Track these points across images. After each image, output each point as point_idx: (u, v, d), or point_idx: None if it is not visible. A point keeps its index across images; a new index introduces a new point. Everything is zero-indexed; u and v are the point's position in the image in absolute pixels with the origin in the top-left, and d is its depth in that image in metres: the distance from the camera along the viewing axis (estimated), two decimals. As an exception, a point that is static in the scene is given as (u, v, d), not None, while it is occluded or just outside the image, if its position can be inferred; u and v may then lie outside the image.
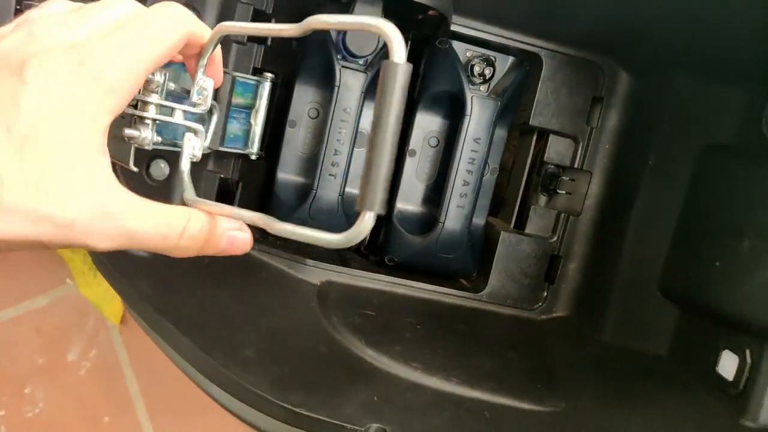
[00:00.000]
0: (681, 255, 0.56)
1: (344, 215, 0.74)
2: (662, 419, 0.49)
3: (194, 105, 0.39)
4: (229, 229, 0.35)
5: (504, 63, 0.74)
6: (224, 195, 0.68)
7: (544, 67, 0.71)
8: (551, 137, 0.73)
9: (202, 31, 0.34)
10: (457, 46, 0.72)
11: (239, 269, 0.65)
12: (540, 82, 0.71)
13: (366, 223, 0.31)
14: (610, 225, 0.70)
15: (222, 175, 0.67)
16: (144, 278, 0.54)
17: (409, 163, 0.75)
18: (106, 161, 0.28)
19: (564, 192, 0.74)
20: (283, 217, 0.76)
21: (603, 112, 0.72)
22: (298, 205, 0.74)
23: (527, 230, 0.75)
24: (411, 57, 0.77)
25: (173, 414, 1.30)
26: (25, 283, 1.27)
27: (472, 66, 0.72)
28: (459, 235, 0.73)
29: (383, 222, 0.77)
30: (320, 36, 0.73)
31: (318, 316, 0.62)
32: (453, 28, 0.71)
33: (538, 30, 0.70)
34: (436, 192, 0.75)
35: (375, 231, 0.79)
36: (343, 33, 0.69)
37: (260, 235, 0.75)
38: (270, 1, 0.66)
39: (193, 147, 0.39)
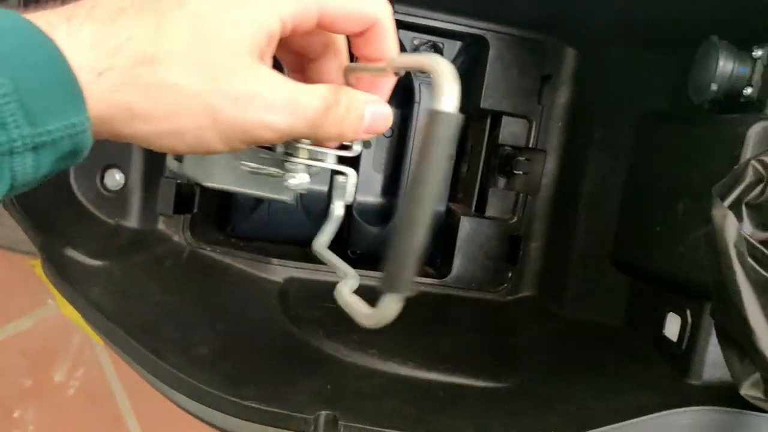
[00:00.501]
0: (627, 224, 0.57)
1: (304, 212, 0.74)
2: (614, 386, 0.49)
3: (346, 148, 0.37)
4: (368, 102, 0.32)
5: (452, 48, 0.74)
6: (183, 200, 0.69)
7: (491, 49, 0.71)
8: (504, 119, 0.74)
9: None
10: (404, 35, 0.72)
11: (200, 273, 0.66)
12: (488, 65, 0.71)
13: (391, 307, 0.27)
14: (565, 202, 0.70)
15: (179, 181, 0.67)
16: (96, 286, 0.54)
17: (366, 155, 0.76)
18: (268, 63, 0.29)
19: (521, 173, 0.74)
20: (243, 219, 0.76)
21: (553, 90, 0.72)
22: (257, 205, 0.75)
23: (487, 213, 0.75)
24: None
25: (165, 428, 1.30)
26: (7, 305, 1.27)
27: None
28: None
29: (346, 215, 0.77)
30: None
31: (278, 312, 0.62)
32: (397, 17, 0.71)
33: (483, 13, 0.70)
34: (393, 182, 0.75)
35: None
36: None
37: (222, 237, 0.75)
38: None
39: (345, 191, 0.39)
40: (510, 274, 0.75)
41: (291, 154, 0.36)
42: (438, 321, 0.66)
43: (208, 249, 0.70)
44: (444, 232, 0.77)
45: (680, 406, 0.44)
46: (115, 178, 0.65)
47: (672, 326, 0.50)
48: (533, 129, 0.73)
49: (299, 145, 0.35)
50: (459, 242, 0.74)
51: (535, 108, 0.73)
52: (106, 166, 0.64)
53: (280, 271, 0.71)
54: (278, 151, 0.37)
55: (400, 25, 0.72)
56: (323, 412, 0.45)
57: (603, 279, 0.62)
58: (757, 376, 0.35)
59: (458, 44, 0.74)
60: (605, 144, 0.64)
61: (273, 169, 0.38)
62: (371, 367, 0.53)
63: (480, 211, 0.76)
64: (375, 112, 0.32)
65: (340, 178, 0.39)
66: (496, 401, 0.50)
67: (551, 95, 0.72)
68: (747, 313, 0.35)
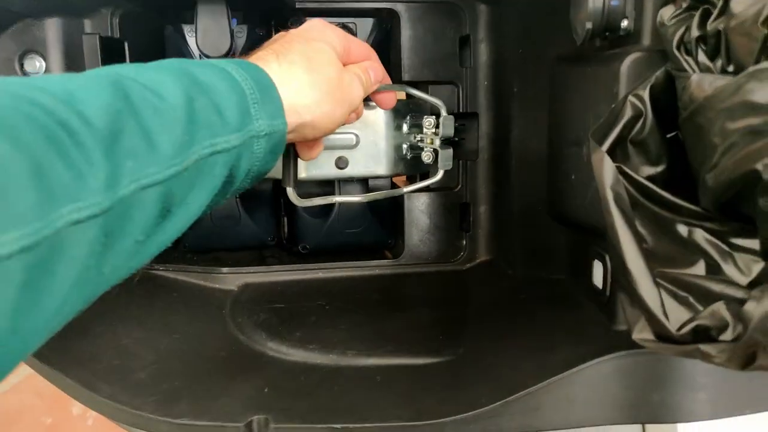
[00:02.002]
0: (552, 175, 0.55)
1: (247, 216, 0.74)
2: (547, 342, 0.48)
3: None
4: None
5: (365, 26, 0.73)
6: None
7: (402, 20, 0.69)
8: (430, 88, 0.72)
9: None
10: (313, 22, 0.71)
11: (148, 297, 0.66)
12: (402, 37, 0.70)
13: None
14: (501, 161, 0.69)
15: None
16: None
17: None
18: None
19: (458, 139, 0.73)
20: (192, 232, 0.76)
21: (473, 50, 0.70)
22: (201, 219, 0.75)
23: (432, 185, 0.74)
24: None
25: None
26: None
27: (332, 38, 0.71)
28: (359, 207, 0.73)
29: (290, 212, 0.77)
30: (178, 47, 0.73)
31: (226, 322, 0.62)
32: (303, 5, 0.70)
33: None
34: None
35: (289, 222, 0.80)
36: (195, 37, 0.69)
37: (176, 254, 0.75)
38: (115, 26, 0.65)
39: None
40: (464, 242, 0.74)
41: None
42: (389, 303, 0.65)
43: (161, 269, 0.70)
44: (391, 212, 0.76)
45: (606, 354, 0.43)
46: (35, 64, 0.62)
47: (598, 274, 0.49)
48: (461, 93, 0.72)
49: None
50: (407, 219, 0.73)
51: (459, 72, 0.71)
52: (27, 50, 0.61)
53: (234, 279, 0.71)
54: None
55: (307, 12, 0.71)
56: (255, 418, 0.45)
57: (545, 234, 0.61)
58: (644, 321, 0.34)
59: (370, 21, 0.72)
60: (525, 96, 0.62)
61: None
62: (311, 362, 0.53)
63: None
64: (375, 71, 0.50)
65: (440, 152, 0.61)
66: (433, 378, 0.50)
67: (473, 55, 0.70)
68: (626, 259, 0.34)
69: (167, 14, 0.72)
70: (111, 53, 0.63)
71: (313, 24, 0.46)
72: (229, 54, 0.70)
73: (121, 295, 0.65)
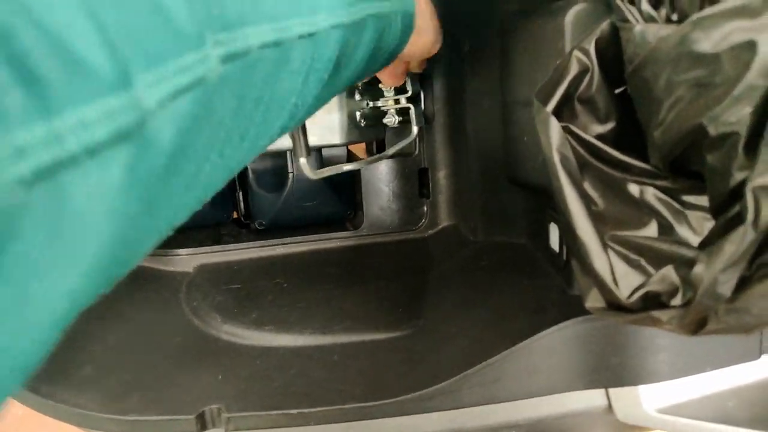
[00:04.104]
0: (507, 137, 0.53)
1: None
2: (507, 310, 0.47)
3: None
4: None
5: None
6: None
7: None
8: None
9: None
10: None
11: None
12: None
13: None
14: (457, 125, 0.66)
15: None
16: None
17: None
18: None
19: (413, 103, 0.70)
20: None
21: (422, 8, 0.67)
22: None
23: (388, 152, 0.72)
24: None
25: None
26: None
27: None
28: (314, 180, 0.70)
29: (244, 187, 0.74)
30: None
31: (181, 306, 0.60)
32: None
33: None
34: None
35: (243, 198, 0.77)
36: None
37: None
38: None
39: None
40: (425, 209, 0.73)
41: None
42: (349, 276, 0.64)
43: (112, 254, 0.67)
44: (348, 182, 0.74)
45: (564, 321, 0.42)
46: None
47: (554, 237, 0.47)
48: (412, 54, 0.69)
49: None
50: (365, 188, 0.71)
51: (409, 31, 0.68)
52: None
53: (190, 260, 0.68)
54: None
55: None
56: (207, 408, 0.44)
57: (505, 198, 0.59)
58: (596, 290, 0.32)
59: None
60: (476, 55, 0.59)
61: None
62: (267, 345, 0.52)
63: (380, 151, 0.73)
64: None
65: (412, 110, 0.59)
66: (392, 353, 0.48)
67: (422, 14, 0.67)
68: (575, 226, 0.33)
69: None
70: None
71: None
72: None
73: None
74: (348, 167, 0.56)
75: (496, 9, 0.54)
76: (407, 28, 0.38)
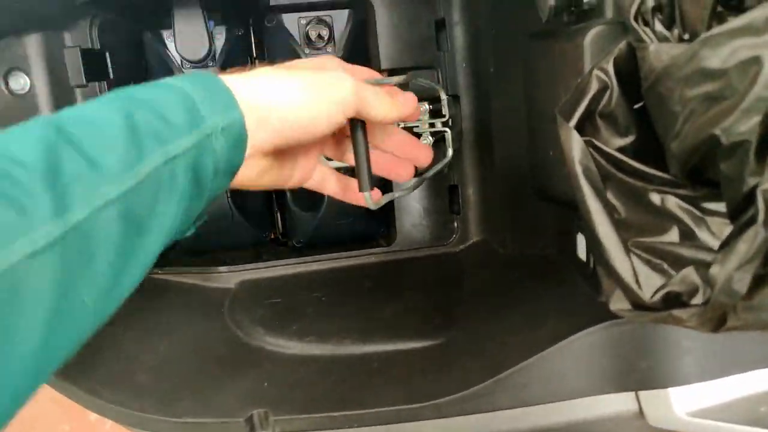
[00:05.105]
0: (533, 152, 0.56)
1: (240, 214, 0.75)
2: (535, 317, 0.49)
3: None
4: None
5: (341, 18, 0.73)
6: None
7: (376, 8, 0.70)
8: (410, 74, 0.73)
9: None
10: (289, 18, 0.71)
11: (148, 299, 0.67)
12: (378, 25, 0.70)
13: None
14: (485, 142, 0.69)
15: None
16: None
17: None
18: None
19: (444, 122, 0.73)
20: (184, 238, 0.77)
21: (449, 33, 0.71)
22: (196, 218, 0.76)
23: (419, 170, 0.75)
24: (256, 44, 0.77)
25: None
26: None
27: (309, 32, 0.71)
28: (348, 198, 0.74)
29: (282, 207, 0.78)
30: (158, 52, 0.73)
31: (225, 320, 0.63)
32: (277, 2, 0.70)
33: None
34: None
35: (281, 217, 0.81)
36: (174, 41, 0.70)
37: (172, 257, 0.76)
38: (95, 37, 0.66)
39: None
40: (456, 224, 0.75)
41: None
42: (384, 289, 0.66)
43: (159, 273, 0.71)
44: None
45: (592, 326, 0.44)
46: (19, 82, 0.62)
47: (581, 246, 0.49)
48: (440, 76, 0.72)
49: None
50: (397, 206, 0.74)
51: (436, 56, 0.72)
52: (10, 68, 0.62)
53: (231, 277, 0.72)
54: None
55: (282, 9, 0.71)
56: (255, 411, 0.47)
57: (532, 210, 0.62)
58: (620, 291, 0.34)
59: (345, 13, 0.72)
60: (501, 75, 0.62)
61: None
62: (308, 353, 0.54)
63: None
64: (405, 97, 0.45)
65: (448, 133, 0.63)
66: (427, 360, 0.51)
67: (448, 39, 0.71)
68: (598, 231, 0.35)
69: (144, 20, 0.72)
70: (93, 65, 0.64)
71: (328, 59, 0.44)
72: (209, 56, 0.71)
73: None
74: (399, 194, 0.56)
75: (518, 31, 0.57)
76: (238, 140, 0.35)
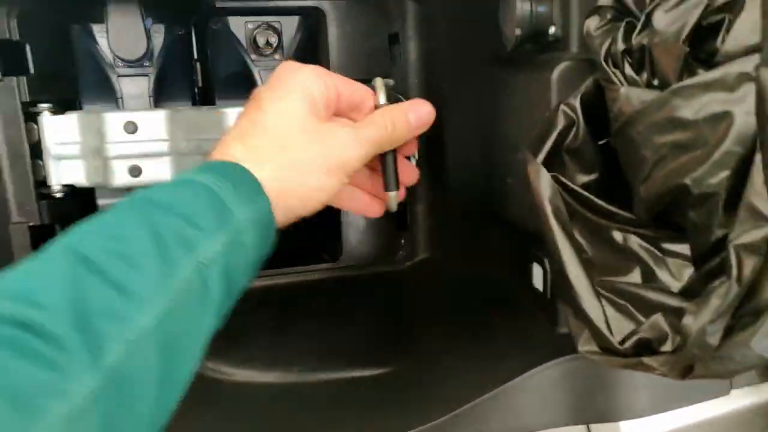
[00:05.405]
0: (487, 177, 0.56)
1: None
2: (494, 345, 0.49)
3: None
4: (409, 110, 0.43)
5: (291, 24, 0.71)
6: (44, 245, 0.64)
7: (329, 18, 0.67)
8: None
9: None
10: (236, 22, 0.68)
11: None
12: (330, 35, 0.68)
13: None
14: (437, 161, 0.68)
15: (31, 224, 0.62)
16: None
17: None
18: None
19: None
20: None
21: (403, 47, 0.69)
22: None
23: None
24: (198, 46, 0.73)
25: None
26: None
27: (256, 38, 0.68)
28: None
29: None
30: (88, 48, 0.68)
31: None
32: (224, 5, 0.66)
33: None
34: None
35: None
36: (107, 39, 0.64)
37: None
38: (14, 27, 0.59)
39: None
40: (402, 241, 0.74)
41: None
42: (331, 311, 0.64)
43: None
44: (327, 213, 0.74)
45: (551, 359, 0.44)
46: None
47: (538, 276, 0.49)
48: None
49: None
50: (344, 220, 0.72)
51: (390, 69, 0.70)
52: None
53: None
54: None
55: (228, 12, 0.67)
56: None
57: (484, 232, 0.61)
58: (587, 332, 0.34)
59: (296, 20, 0.70)
60: (456, 95, 0.62)
61: None
62: (255, 381, 0.52)
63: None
64: (416, 116, 0.43)
65: None
66: (379, 391, 0.49)
67: (402, 53, 0.69)
68: (569, 274, 0.35)
69: (70, 13, 0.66)
70: (10, 56, 0.58)
71: (284, 69, 0.39)
72: (146, 56, 0.66)
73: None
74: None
75: (475, 53, 0.57)
76: (267, 227, 0.34)
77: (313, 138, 0.37)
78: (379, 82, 0.43)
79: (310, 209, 0.38)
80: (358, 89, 0.41)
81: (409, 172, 0.48)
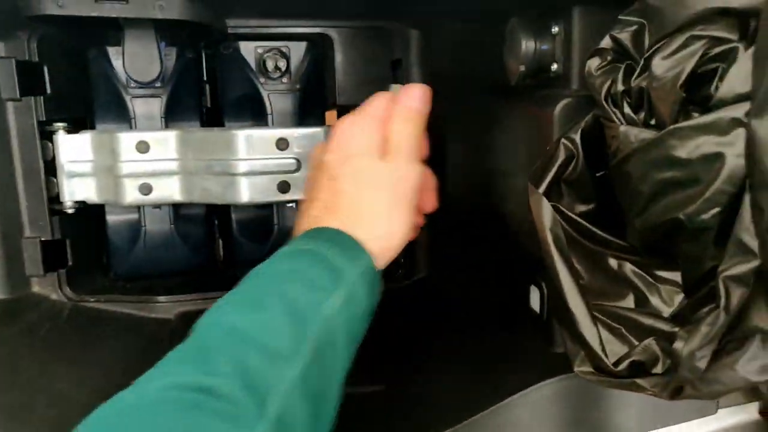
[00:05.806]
0: (486, 200, 0.58)
1: (180, 239, 0.72)
2: (490, 363, 0.51)
3: None
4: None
5: (299, 50, 0.73)
6: (53, 256, 0.65)
7: (335, 44, 0.70)
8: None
9: None
10: (246, 46, 0.70)
11: (81, 332, 0.63)
12: (336, 61, 0.70)
13: None
14: (438, 179, 0.71)
15: (42, 238, 0.64)
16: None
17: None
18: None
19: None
20: (121, 259, 0.73)
21: (404, 73, 0.72)
22: (134, 240, 0.72)
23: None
24: (207, 68, 0.75)
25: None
26: None
27: (265, 62, 0.70)
28: (298, 231, 0.73)
29: (225, 235, 0.76)
30: (103, 69, 0.70)
31: (164, 354, 0.60)
32: (234, 30, 0.69)
33: (319, 12, 0.69)
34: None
35: (224, 245, 0.78)
36: (122, 61, 0.66)
37: (107, 283, 0.72)
38: (33, 50, 0.62)
39: None
40: (402, 260, 0.76)
41: None
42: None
43: (92, 300, 0.67)
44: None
45: (546, 378, 0.46)
46: None
47: (535, 298, 0.51)
48: (395, 115, 0.73)
49: None
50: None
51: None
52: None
53: (170, 308, 0.69)
54: None
55: (239, 37, 0.70)
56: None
57: (482, 254, 0.64)
58: (583, 354, 0.37)
59: (304, 45, 0.72)
60: (456, 120, 0.64)
61: None
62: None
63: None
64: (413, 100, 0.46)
65: None
66: (375, 408, 0.51)
67: (404, 79, 0.72)
68: (567, 299, 0.37)
69: (89, 37, 0.69)
70: (28, 77, 0.60)
71: (340, 134, 0.43)
72: (159, 78, 0.68)
73: (52, 333, 0.62)
74: None
75: (477, 81, 0.59)
76: (374, 278, 0.38)
77: (386, 188, 0.42)
78: (396, 88, 0.46)
79: (400, 247, 0.42)
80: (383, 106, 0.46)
81: (430, 200, 0.52)
